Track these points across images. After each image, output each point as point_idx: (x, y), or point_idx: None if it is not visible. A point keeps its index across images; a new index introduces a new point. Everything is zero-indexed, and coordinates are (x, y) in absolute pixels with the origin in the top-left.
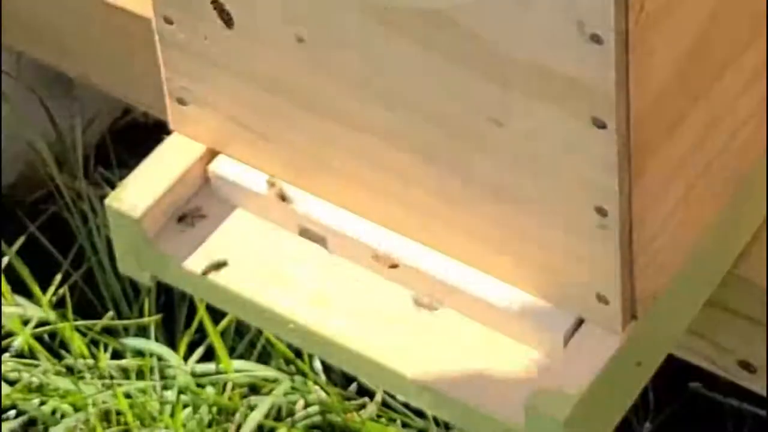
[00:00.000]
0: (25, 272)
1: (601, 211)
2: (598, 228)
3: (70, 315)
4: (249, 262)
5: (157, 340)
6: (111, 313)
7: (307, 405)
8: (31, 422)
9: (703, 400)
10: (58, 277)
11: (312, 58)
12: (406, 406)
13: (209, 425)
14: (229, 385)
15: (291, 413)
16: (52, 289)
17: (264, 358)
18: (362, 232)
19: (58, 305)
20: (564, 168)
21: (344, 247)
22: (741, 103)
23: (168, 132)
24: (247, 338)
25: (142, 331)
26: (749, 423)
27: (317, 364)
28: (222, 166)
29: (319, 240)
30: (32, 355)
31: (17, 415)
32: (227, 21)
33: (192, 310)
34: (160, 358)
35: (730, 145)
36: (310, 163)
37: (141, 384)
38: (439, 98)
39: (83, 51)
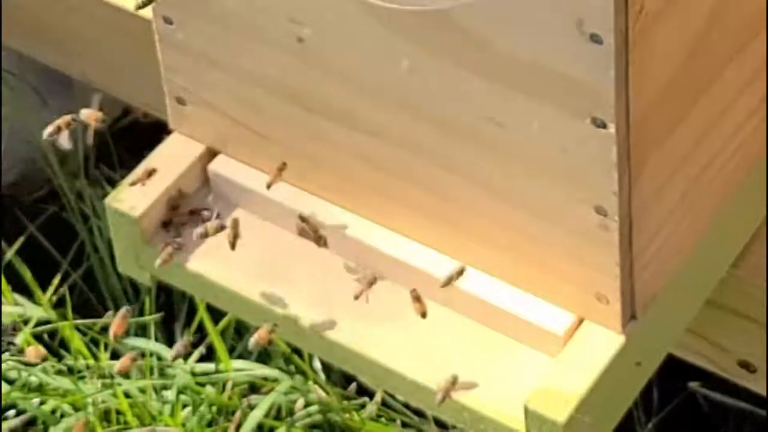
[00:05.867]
0: (25, 272)
1: (601, 211)
2: (598, 228)
3: (69, 314)
4: (249, 262)
5: (157, 339)
6: (111, 313)
7: (307, 404)
8: (31, 421)
9: (703, 400)
10: (58, 277)
11: (312, 58)
12: (406, 406)
13: (209, 424)
14: (229, 385)
15: (291, 412)
16: (52, 288)
17: (264, 358)
18: (362, 231)
19: (58, 305)
20: (564, 168)
21: (344, 247)
22: (741, 103)
23: (168, 132)
24: (246, 338)
25: (142, 331)
26: (749, 423)
27: (317, 364)
28: (222, 166)
29: (319, 240)
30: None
31: (17, 415)
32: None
33: (192, 310)
34: (159, 358)
35: (730, 144)
36: (310, 163)
37: (141, 383)
38: (439, 98)
39: (83, 51)
